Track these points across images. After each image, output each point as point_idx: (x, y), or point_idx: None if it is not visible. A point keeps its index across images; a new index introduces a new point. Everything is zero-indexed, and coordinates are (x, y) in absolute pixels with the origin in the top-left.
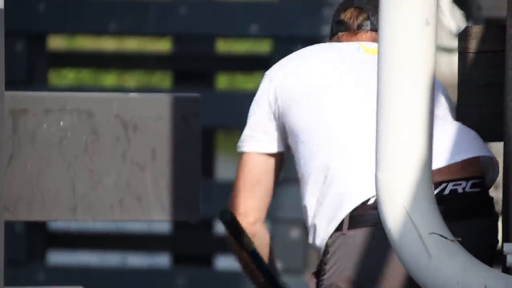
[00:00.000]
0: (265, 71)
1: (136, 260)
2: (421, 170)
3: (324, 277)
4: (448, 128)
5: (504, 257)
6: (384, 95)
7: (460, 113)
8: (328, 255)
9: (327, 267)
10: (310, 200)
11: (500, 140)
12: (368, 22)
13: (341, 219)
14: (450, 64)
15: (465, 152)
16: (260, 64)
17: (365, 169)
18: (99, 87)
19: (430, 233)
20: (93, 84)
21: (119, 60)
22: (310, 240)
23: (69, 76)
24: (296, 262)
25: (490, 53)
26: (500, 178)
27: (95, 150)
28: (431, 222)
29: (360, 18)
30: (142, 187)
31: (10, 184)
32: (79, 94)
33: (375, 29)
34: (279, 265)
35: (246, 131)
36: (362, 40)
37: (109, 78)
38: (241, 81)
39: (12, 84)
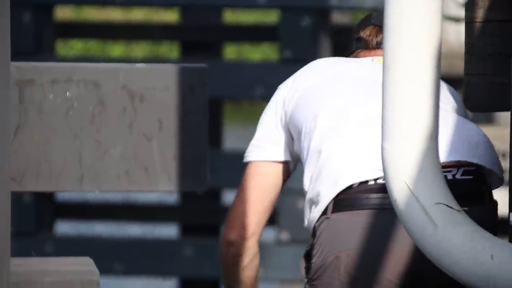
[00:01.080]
0: (272, 42)
1: (144, 230)
2: (427, 141)
3: (312, 260)
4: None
5: (511, 227)
6: (390, 64)
7: (467, 83)
8: (315, 239)
9: (314, 251)
10: (306, 182)
11: (506, 110)
12: None
13: (326, 203)
14: (458, 34)
15: (463, 155)
16: (267, 35)
17: (352, 154)
18: (106, 58)
19: (436, 203)
20: (100, 54)
21: (127, 30)
22: (305, 223)
23: (76, 46)
24: (303, 233)
25: (497, 22)
26: (507, 148)
27: (102, 121)
28: (437, 192)
29: (380, 36)
30: (148, 158)
31: (16, 155)
32: (85, 64)
33: None
34: (287, 236)
35: (253, 141)
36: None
37: (117, 49)
38: (248, 52)
39: (19, 55)
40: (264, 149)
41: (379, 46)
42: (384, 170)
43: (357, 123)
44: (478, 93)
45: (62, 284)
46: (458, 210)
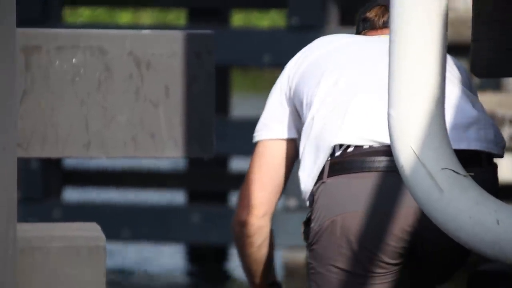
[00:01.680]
0: (280, 9)
1: (151, 197)
2: (433, 107)
3: (311, 225)
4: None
5: None
6: (397, 30)
7: (474, 49)
8: (313, 204)
9: (312, 216)
10: (301, 149)
11: None
12: None
13: (322, 167)
14: (465, 0)
15: (467, 142)
16: (275, 1)
17: (347, 120)
18: (114, 25)
19: (442, 169)
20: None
21: None
22: (302, 194)
23: (84, 14)
24: None
25: None
26: None
27: (108, 87)
28: (443, 157)
29: (386, 16)
30: (155, 124)
31: (23, 121)
32: (92, 31)
33: None
34: (295, 203)
35: (260, 121)
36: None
37: (124, 16)
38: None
39: (26, 22)
40: (272, 128)
41: (385, 25)
42: (390, 136)
43: (354, 91)
44: (485, 59)
45: (69, 249)
46: (464, 175)
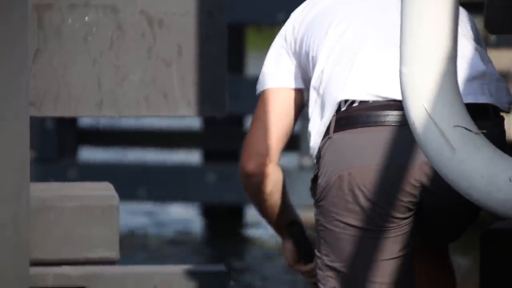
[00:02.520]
0: None
1: (167, 157)
2: (445, 64)
3: (318, 182)
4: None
5: None
6: None
7: (488, 5)
8: (320, 160)
9: (319, 172)
10: (310, 105)
11: None
12: None
13: (328, 123)
14: None
15: (474, 95)
16: None
17: (352, 72)
18: None
19: (454, 126)
20: None
21: None
22: (310, 150)
23: None
24: None
25: None
26: None
27: (121, 46)
28: (455, 115)
29: None
30: (168, 83)
31: (35, 80)
32: None
33: None
34: (310, 161)
35: (263, 72)
36: None
37: None
38: None
39: None
40: (274, 76)
41: None
42: (402, 94)
43: (361, 43)
44: (499, 15)
45: (82, 208)
46: (476, 133)
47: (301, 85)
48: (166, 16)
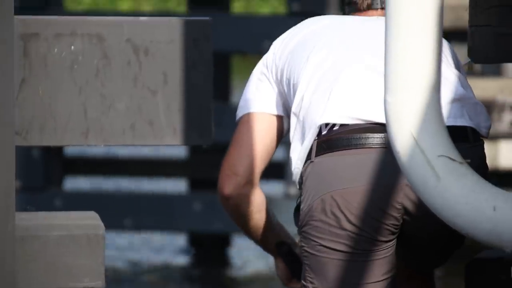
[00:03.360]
0: None
1: (153, 185)
2: (429, 93)
3: (301, 207)
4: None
5: None
6: (392, 16)
7: (472, 34)
8: (302, 185)
9: (302, 197)
10: (291, 131)
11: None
12: (378, 1)
13: (309, 147)
14: None
15: (453, 118)
16: None
17: (332, 97)
18: (114, 12)
19: (438, 156)
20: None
21: None
22: (293, 176)
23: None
24: None
25: None
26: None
27: (107, 75)
28: (440, 144)
29: None
30: (153, 112)
31: (21, 109)
32: (89, 18)
33: (384, 7)
34: (295, 190)
35: (243, 98)
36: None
37: (125, 3)
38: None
39: (27, 10)
40: (255, 101)
41: (369, 7)
42: (387, 122)
43: (341, 70)
44: (483, 45)
45: (68, 238)
46: (460, 162)
47: (281, 113)
48: (152, 44)
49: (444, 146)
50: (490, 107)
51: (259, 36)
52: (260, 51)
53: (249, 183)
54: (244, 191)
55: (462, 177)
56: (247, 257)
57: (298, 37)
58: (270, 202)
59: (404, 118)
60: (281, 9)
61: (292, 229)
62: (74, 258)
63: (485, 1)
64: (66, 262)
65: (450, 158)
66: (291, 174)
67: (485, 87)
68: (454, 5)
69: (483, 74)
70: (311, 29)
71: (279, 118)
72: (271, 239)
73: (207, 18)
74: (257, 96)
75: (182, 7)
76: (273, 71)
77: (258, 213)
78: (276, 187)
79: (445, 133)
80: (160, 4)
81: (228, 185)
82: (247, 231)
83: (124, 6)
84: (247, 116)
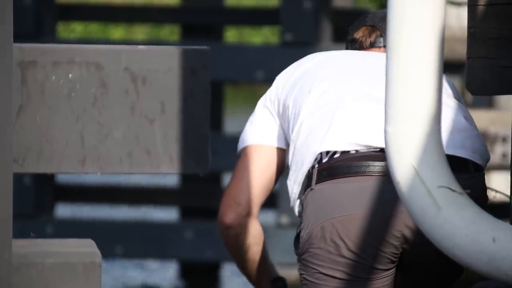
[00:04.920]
0: (273, 25)
1: (144, 213)
2: (430, 124)
3: (301, 235)
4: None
5: None
6: (393, 47)
7: (469, 66)
8: (302, 213)
9: (302, 225)
10: (289, 157)
11: (508, 93)
12: (381, 39)
13: (305, 173)
14: (459, 18)
15: (454, 148)
16: (268, 18)
17: (333, 125)
18: (107, 41)
19: (438, 187)
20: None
21: (127, 13)
22: (291, 202)
23: (77, 29)
24: None
25: (502, 5)
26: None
27: (104, 103)
28: (440, 175)
29: (373, 36)
30: (151, 140)
31: (19, 136)
32: (87, 46)
33: None
34: (287, 219)
35: (246, 130)
36: None
37: (117, 32)
38: (249, 35)
39: (20, 38)
40: (257, 133)
41: (372, 45)
42: (387, 153)
43: (342, 100)
44: (480, 76)
45: (64, 265)
46: (460, 193)
47: (283, 145)
48: (150, 73)
49: (444, 176)
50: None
51: (252, 65)
52: (252, 80)
53: (250, 214)
54: (245, 221)
55: (462, 208)
56: (238, 283)
57: (301, 69)
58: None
59: (404, 149)
60: (273, 39)
61: (282, 258)
62: (71, 285)
63: (483, 33)
64: None
65: (450, 189)
66: (286, 205)
67: (476, 119)
68: (446, 37)
69: (474, 105)
70: (314, 62)
71: (281, 150)
72: (265, 274)
73: (205, 47)
74: (260, 129)
75: (175, 36)
76: (275, 104)
77: (256, 246)
78: (268, 216)
79: (445, 164)
80: (153, 33)
81: (230, 215)
82: (243, 264)
83: (116, 34)
84: (250, 148)
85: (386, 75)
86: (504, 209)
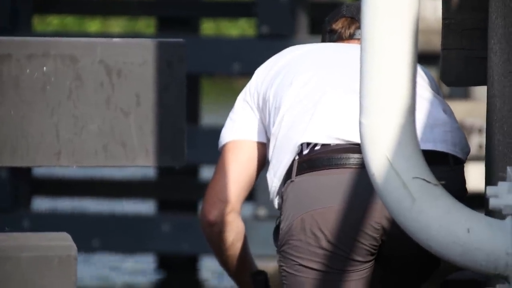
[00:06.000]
0: (249, 18)
1: (121, 206)
2: (404, 115)
3: (280, 227)
4: (430, 111)
5: (487, 200)
6: (367, 38)
7: (444, 57)
8: (282, 204)
9: (281, 216)
10: (269, 151)
11: (483, 84)
12: (360, 31)
13: (288, 167)
14: (435, 10)
15: (434, 143)
16: (244, 10)
17: (314, 117)
18: (83, 34)
19: (413, 178)
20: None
21: (104, 6)
22: (270, 195)
23: (53, 23)
24: None
25: None
26: (483, 123)
27: (79, 96)
28: (415, 166)
29: (353, 27)
30: (126, 133)
31: None
32: (62, 39)
33: None
34: (264, 211)
35: (227, 125)
36: None
37: (94, 25)
38: (225, 27)
39: None
40: (238, 129)
41: (352, 37)
42: (362, 145)
43: (323, 92)
44: (455, 67)
45: (40, 259)
46: (435, 184)
47: (263, 139)
48: (125, 66)
49: (419, 168)
50: None
51: (229, 57)
52: (229, 72)
53: (233, 211)
54: (229, 218)
55: (437, 199)
56: (215, 276)
57: (281, 62)
58: None
59: (379, 140)
60: (250, 31)
61: (260, 251)
62: (46, 279)
63: (458, 24)
64: (38, 283)
65: (425, 180)
66: (264, 197)
67: (453, 110)
68: (423, 29)
69: (450, 97)
70: (294, 55)
71: (261, 145)
72: (245, 270)
73: (181, 40)
74: (240, 124)
75: (151, 29)
76: (255, 97)
77: (238, 242)
78: (245, 209)
79: (420, 155)
80: (129, 26)
81: (214, 212)
82: (225, 260)
83: (93, 27)
84: (230, 144)
85: (361, 66)
86: (479, 200)
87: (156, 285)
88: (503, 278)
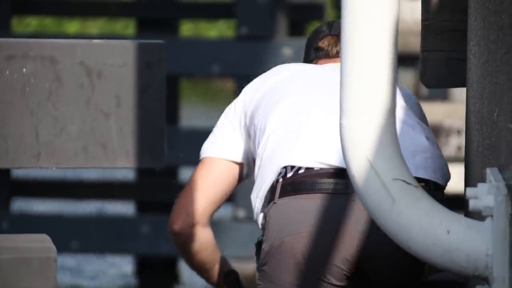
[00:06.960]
0: (228, 19)
1: (100, 208)
2: (384, 117)
3: (262, 246)
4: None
5: (466, 201)
6: (347, 40)
7: (423, 59)
8: (265, 225)
9: (264, 237)
10: (255, 171)
11: (462, 86)
12: None
13: (268, 188)
14: (412, 11)
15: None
16: (223, 12)
17: (298, 140)
18: (62, 35)
19: (393, 179)
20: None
21: (82, 7)
22: (254, 216)
23: (32, 23)
24: None
25: None
26: (462, 125)
27: (59, 97)
28: (395, 168)
29: (339, 45)
30: (106, 134)
31: None
32: (42, 40)
33: None
34: (244, 213)
35: (209, 140)
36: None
37: (72, 26)
38: (204, 29)
39: None
40: (216, 145)
41: (338, 54)
42: (342, 147)
43: (308, 115)
44: (434, 69)
45: (19, 261)
46: (415, 186)
47: (241, 159)
48: (105, 67)
49: (399, 169)
50: (437, 131)
51: (207, 59)
52: (208, 74)
53: (198, 224)
54: (192, 231)
55: (417, 200)
56: (193, 279)
57: (270, 83)
58: (218, 224)
59: (359, 142)
60: (228, 32)
61: (238, 252)
62: (26, 281)
63: (437, 26)
64: (18, 285)
65: (405, 182)
66: (241, 200)
67: (432, 111)
68: (400, 31)
69: (430, 98)
70: (282, 76)
71: (239, 164)
72: (216, 273)
73: (161, 41)
74: (220, 142)
75: (130, 30)
76: (242, 116)
77: (204, 251)
78: (224, 210)
79: (400, 157)
80: (108, 26)
81: (178, 223)
82: (192, 265)
83: (72, 28)
84: (207, 160)
85: (341, 68)
86: (459, 201)
87: (135, 286)
88: (483, 280)
